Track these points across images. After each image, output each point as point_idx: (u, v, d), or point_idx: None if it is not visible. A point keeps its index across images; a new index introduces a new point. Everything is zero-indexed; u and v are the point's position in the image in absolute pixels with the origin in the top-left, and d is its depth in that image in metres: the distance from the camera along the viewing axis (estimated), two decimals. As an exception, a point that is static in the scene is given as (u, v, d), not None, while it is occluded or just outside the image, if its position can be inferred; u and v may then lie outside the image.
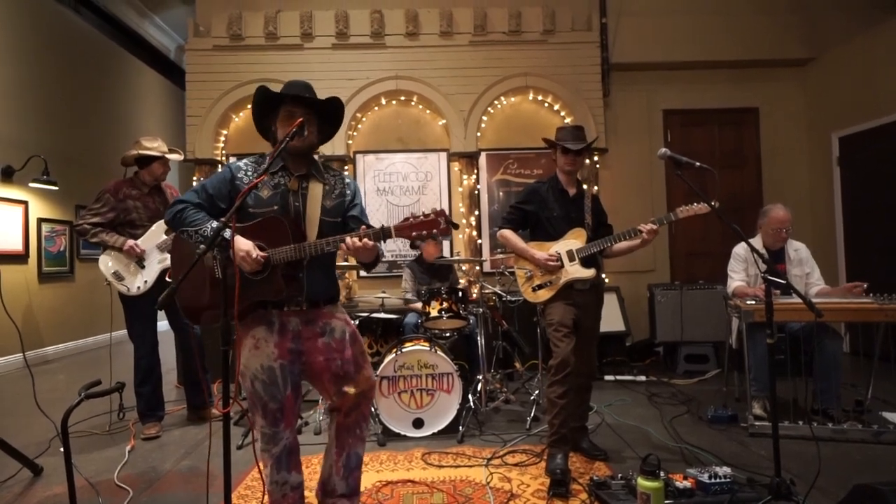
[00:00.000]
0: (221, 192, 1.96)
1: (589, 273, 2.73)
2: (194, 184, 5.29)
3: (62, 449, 1.82)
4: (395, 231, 1.83)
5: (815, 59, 5.75)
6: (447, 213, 1.86)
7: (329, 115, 2.09)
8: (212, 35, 5.49)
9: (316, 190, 2.02)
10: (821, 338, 3.19)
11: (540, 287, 2.80)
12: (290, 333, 1.96)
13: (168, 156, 3.48)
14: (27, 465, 2.75)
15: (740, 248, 3.65)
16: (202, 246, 1.66)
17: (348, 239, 1.83)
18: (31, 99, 6.14)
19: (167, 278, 3.31)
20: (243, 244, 1.80)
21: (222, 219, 1.68)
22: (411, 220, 1.83)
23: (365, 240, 1.81)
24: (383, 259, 5.41)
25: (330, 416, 2.15)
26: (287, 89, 2.01)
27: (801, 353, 3.20)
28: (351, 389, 2.04)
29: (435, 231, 1.82)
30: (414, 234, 1.82)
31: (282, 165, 2.00)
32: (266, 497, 2.00)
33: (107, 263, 3.32)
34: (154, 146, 3.43)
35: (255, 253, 1.80)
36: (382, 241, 1.88)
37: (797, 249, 3.56)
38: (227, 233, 1.76)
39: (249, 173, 1.99)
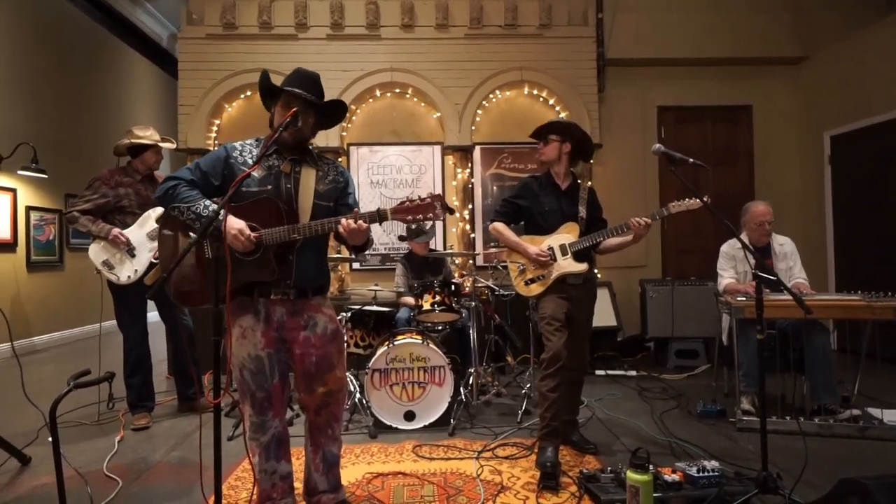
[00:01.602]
0: (216, 169, 1.95)
1: (581, 267, 2.73)
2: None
3: (50, 439, 1.80)
4: (391, 213, 1.84)
5: (808, 58, 5.77)
6: (442, 195, 1.87)
7: (329, 111, 2.08)
8: (205, 24, 5.42)
9: (308, 174, 2.01)
10: (808, 333, 3.22)
11: (532, 281, 2.80)
12: (275, 323, 1.96)
13: (161, 144, 3.46)
14: (15, 455, 2.73)
15: (727, 247, 3.67)
16: (192, 235, 1.65)
17: (343, 220, 1.82)
18: (21, 86, 6.05)
19: (153, 259, 3.28)
20: (236, 223, 1.79)
21: (215, 206, 1.67)
22: (407, 203, 1.84)
23: (360, 221, 1.81)
24: (375, 251, 5.41)
25: (303, 415, 2.15)
26: (292, 79, 2.00)
27: (789, 349, 3.23)
28: (320, 388, 2.04)
29: (430, 214, 1.82)
30: (409, 217, 1.83)
31: (275, 149, 1.99)
32: (256, 487, 2.01)
33: (96, 252, 3.29)
34: (146, 135, 3.40)
35: (248, 232, 1.79)
36: (378, 224, 1.88)
37: (782, 244, 3.59)
38: (222, 216, 1.76)
39: (245, 154, 1.98)
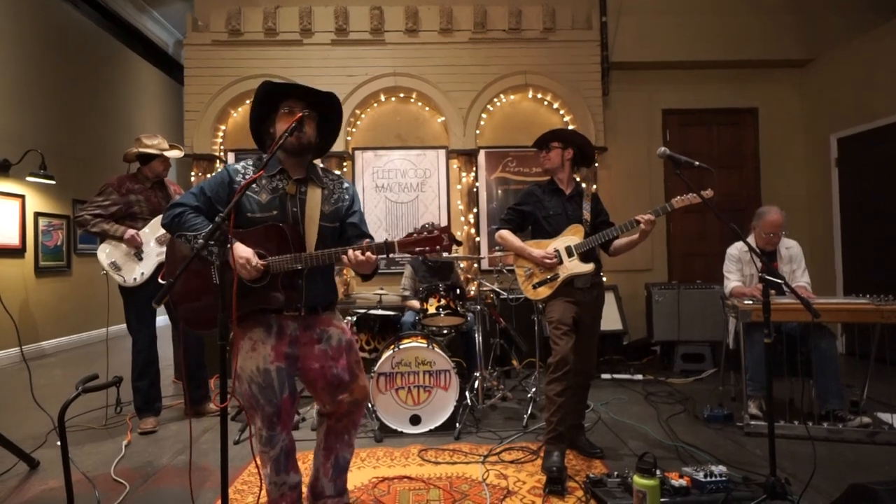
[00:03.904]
0: (220, 195, 1.95)
1: (588, 268, 2.73)
2: (192, 180, 5.29)
3: (59, 443, 1.81)
4: (398, 246, 1.84)
5: (814, 61, 5.75)
6: (449, 226, 1.89)
7: (328, 114, 2.07)
8: (210, 30, 5.46)
9: (314, 195, 2.00)
10: (813, 337, 3.19)
11: (540, 284, 2.80)
12: (288, 337, 1.95)
13: (167, 154, 3.49)
14: (24, 458, 2.75)
15: (733, 249, 3.66)
16: (200, 241, 1.65)
17: (350, 252, 1.83)
18: (29, 93, 6.11)
19: (160, 280, 3.30)
20: (243, 251, 1.79)
21: (220, 215, 1.67)
22: (415, 235, 1.84)
23: (368, 253, 1.82)
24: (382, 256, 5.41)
25: (320, 420, 2.15)
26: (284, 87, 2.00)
27: (796, 353, 3.21)
28: (346, 397, 2.04)
29: (438, 247, 1.83)
30: (417, 249, 1.83)
31: (280, 169, 1.98)
32: (263, 493, 2.01)
33: (105, 253, 3.33)
34: (153, 144, 3.46)
35: (255, 261, 1.80)
36: (386, 256, 1.87)
37: (789, 247, 3.57)
38: (230, 237, 1.75)
39: (248, 176, 1.96)
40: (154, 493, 2.51)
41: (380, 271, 5.31)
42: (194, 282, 1.89)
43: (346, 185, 2.14)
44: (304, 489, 2.20)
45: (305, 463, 2.70)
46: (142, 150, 3.41)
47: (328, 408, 2.07)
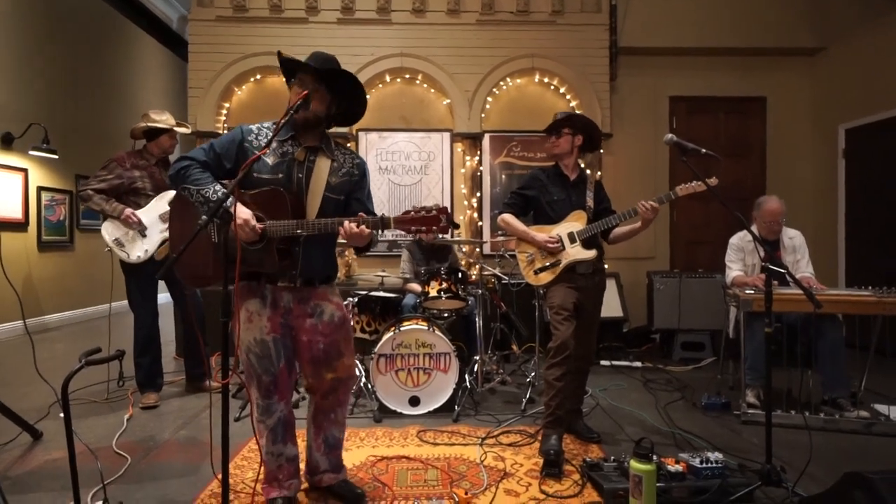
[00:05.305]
0: (229, 152, 1.94)
1: (590, 254, 2.72)
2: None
3: (62, 414, 1.83)
4: (394, 222, 1.83)
5: (825, 50, 5.67)
6: (448, 209, 1.87)
7: (345, 91, 2.03)
8: (215, 6, 5.39)
9: (322, 164, 1.99)
10: (821, 325, 3.19)
11: (542, 270, 2.80)
12: (282, 309, 1.97)
13: (176, 128, 3.51)
14: (27, 429, 2.78)
15: (735, 239, 3.65)
16: (204, 217, 1.65)
17: (346, 223, 1.82)
18: (32, 67, 6.06)
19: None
20: (243, 212, 1.80)
21: (225, 190, 1.67)
22: (412, 213, 1.83)
23: (362, 226, 1.81)
24: (382, 238, 5.41)
25: (309, 397, 2.17)
26: (308, 59, 1.97)
27: (797, 343, 3.21)
28: (329, 375, 2.05)
29: (434, 228, 1.82)
30: (413, 228, 1.83)
31: (292, 135, 1.98)
32: (262, 467, 2.03)
33: (109, 230, 3.34)
34: (162, 119, 3.47)
35: (253, 222, 1.80)
36: (381, 231, 1.87)
37: (792, 237, 3.56)
38: (230, 202, 1.76)
39: (261, 138, 1.97)
40: (155, 465, 2.54)
41: (380, 254, 5.35)
42: (197, 239, 1.90)
43: (357, 160, 2.13)
44: (303, 465, 2.22)
45: (305, 441, 2.73)
46: (151, 124, 3.42)
47: (310, 381, 2.09)
